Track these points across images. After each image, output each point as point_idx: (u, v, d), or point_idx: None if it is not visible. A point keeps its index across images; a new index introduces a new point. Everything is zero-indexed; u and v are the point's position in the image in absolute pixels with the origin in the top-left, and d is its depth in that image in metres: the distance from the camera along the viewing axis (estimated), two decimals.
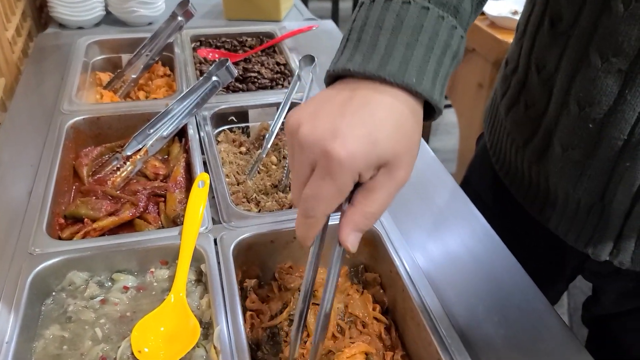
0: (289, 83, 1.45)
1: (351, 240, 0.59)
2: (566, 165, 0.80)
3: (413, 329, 0.84)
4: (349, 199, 0.58)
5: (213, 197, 1.02)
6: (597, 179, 0.77)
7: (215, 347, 0.76)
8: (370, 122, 0.53)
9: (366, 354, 0.84)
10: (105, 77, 1.56)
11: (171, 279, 0.89)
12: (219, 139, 1.29)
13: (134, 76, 1.49)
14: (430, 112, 0.60)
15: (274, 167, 1.22)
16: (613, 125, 0.71)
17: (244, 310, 0.91)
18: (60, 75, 1.41)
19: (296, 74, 1.35)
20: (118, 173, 1.14)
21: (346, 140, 0.51)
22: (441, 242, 0.97)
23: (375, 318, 0.91)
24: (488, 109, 1.07)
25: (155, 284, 0.91)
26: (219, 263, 0.88)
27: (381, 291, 0.95)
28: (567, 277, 1.07)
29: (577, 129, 0.76)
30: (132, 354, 0.77)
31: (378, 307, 0.92)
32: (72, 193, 1.13)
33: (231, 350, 0.75)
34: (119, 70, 1.53)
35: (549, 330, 0.81)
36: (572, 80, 0.75)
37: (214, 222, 0.97)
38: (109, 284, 0.90)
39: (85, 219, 1.02)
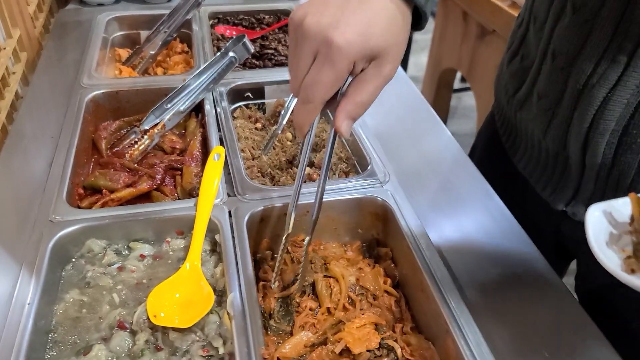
0: None
1: (344, 127, 0.67)
2: (539, 113, 0.88)
3: (422, 301, 0.85)
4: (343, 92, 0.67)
5: (228, 172, 1.04)
6: (560, 127, 0.85)
7: (228, 313, 0.78)
8: (367, 18, 0.61)
9: (376, 325, 0.85)
10: (124, 53, 1.58)
11: (186, 248, 0.91)
12: (235, 115, 1.31)
13: (152, 52, 1.50)
14: (418, 21, 0.68)
15: (289, 143, 1.23)
16: (575, 73, 0.79)
17: (257, 280, 0.93)
18: (81, 50, 1.43)
19: None
20: (136, 146, 1.16)
21: (346, 31, 0.59)
22: (454, 219, 0.97)
23: (386, 291, 0.93)
24: (498, 65, 1.13)
25: (171, 253, 0.93)
26: (232, 234, 0.90)
27: (392, 265, 0.96)
28: (548, 242, 1.05)
29: (550, 77, 0.84)
30: (148, 318, 0.79)
31: (389, 281, 0.94)
32: (91, 165, 1.15)
33: (244, 316, 0.77)
34: (137, 47, 1.54)
35: (562, 308, 0.82)
36: (552, 30, 0.84)
37: (229, 194, 0.99)
38: (126, 252, 0.92)
39: (104, 190, 1.04)
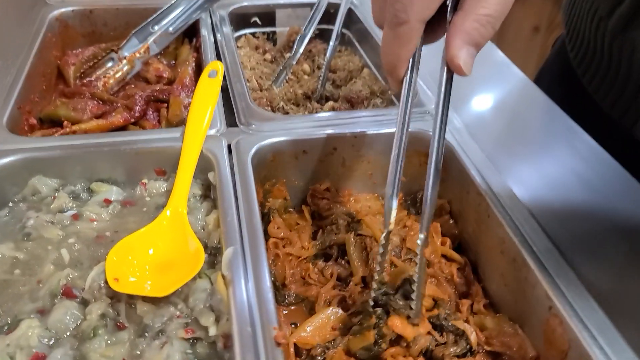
0: None
1: (463, 57, 0.45)
2: None
3: (504, 267, 0.60)
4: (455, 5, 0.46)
5: (228, 98, 0.78)
6: None
7: (224, 276, 0.53)
8: None
9: (434, 300, 0.60)
10: None
11: (168, 193, 0.65)
12: (239, 45, 1.05)
13: None
14: None
15: (305, 77, 0.97)
16: None
17: (266, 237, 0.67)
18: None
19: None
20: (111, 73, 0.91)
21: None
22: (534, 163, 0.71)
23: (444, 256, 0.67)
24: None
25: (147, 198, 0.67)
26: (232, 173, 0.65)
27: (451, 222, 0.71)
28: None
29: None
30: (106, 283, 0.54)
31: (448, 242, 0.68)
32: (54, 96, 0.90)
33: (246, 280, 0.51)
34: None
35: None
36: None
37: (229, 124, 0.73)
38: (86, 195, 0.67)
39: (65, 122, 0.79)
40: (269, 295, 0.51)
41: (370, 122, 0.74)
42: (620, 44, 0.74)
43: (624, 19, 0.74)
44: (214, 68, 0.75)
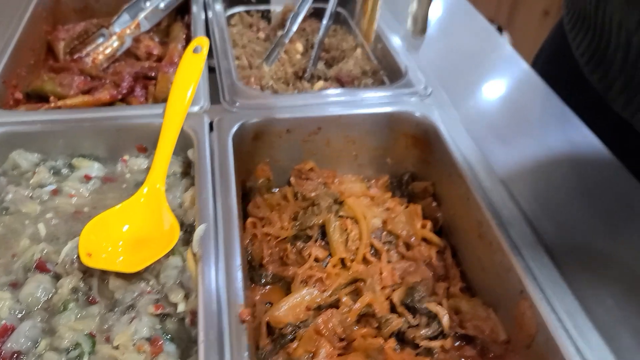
0: None
1: None
2: None
3: (481, 251, 0.59)
4: None
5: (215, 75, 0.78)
6: None
7: (194, 254, 0.53)
8: None
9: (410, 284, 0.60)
10: None
11: (149, 170, 0.65)
12: (232, 23, 1.04)
13: None
14: None
15: (298, 56, 0.96)
16: None
17: (245, 216, 0.67)
18: None
19: None
20: (101, 49, 0.90)
21: None
22: (523, 146, 0.69)
23: (425, 239, 0.66)
24: None
25: (127, 175, 0.67)
26: (212, 150, 0.64)
27: (434, 205, 0.70)
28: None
29: None
30: (79, 257, 0.54)
31: (429, 224, 0.67)
32: (43, 71, 0.89)
33: (216, 258, 0.51)
34: None
35: None
36: None
37: (214, 101, 0.72)
38: (67, 171, 0.67)
39: (52, 97, 0.79)
40: (238, 273, 0.51)
41: (356, 102, 0.73)
42: (619, 23, 0.73)
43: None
44: (199, 44, 0.74)
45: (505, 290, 0.54)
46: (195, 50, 0.73)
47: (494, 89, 0.81)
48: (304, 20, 1.00)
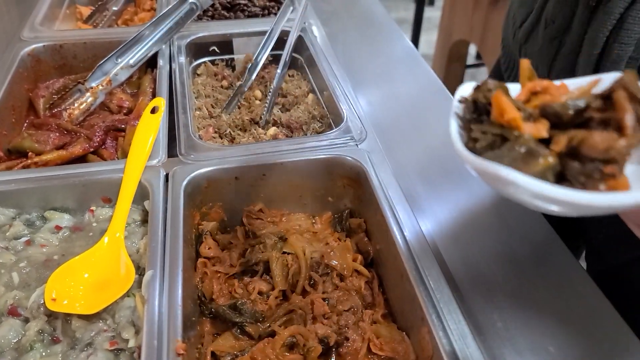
0: None
1: None
2: (544, 43, 0.78)
3: (397, 281, 0.67)
4: None
5: (174, 130, 0.87)
6: (566, 59, 0.74)
7: (141, 296, 0.61)
8: None
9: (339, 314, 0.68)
10: (87, 10, 1.42)
11: None
12: (199, 72, 1.13)
13: (115, 8, 1.34)
14: None
15: (257, 102, 1.05)
16: None
17: (197, 257, 0.76)
18: (31, 5, 1.27)
19: None
20: (76, 105, 1.00)
21: None
22: (444, 191, 0.78)
23: (356, 270, 0.75)
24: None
25: (94, 224, 0.76)
26: (165, 200, 0.73)
27: (366, 240, 0.78)
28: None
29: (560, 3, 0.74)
30: (45, 302, 0.63)
31: (360, 258, 0.76)
32: (24, 128, 0.99)
33: (160, 302, 0.60)
34: (100, 3, 1.38)
35: (574, 291, 0.63)
36: None
37: (171, 155, 0.82)
38: (40, 222, 0.76)
39: (30, 153, 0.88)
40: (178, 311, 0.59)
41: (299, 149, 0.82)
42: (525, 51, 0.84)
43: (527, 32, 0.83)
44: (157, 104, 0.83)
45: (413, 317, 0.62)
46: (152, 111, 0.82)
47: (427, 135, 0.90)
48: (264, 67, 1.10)
